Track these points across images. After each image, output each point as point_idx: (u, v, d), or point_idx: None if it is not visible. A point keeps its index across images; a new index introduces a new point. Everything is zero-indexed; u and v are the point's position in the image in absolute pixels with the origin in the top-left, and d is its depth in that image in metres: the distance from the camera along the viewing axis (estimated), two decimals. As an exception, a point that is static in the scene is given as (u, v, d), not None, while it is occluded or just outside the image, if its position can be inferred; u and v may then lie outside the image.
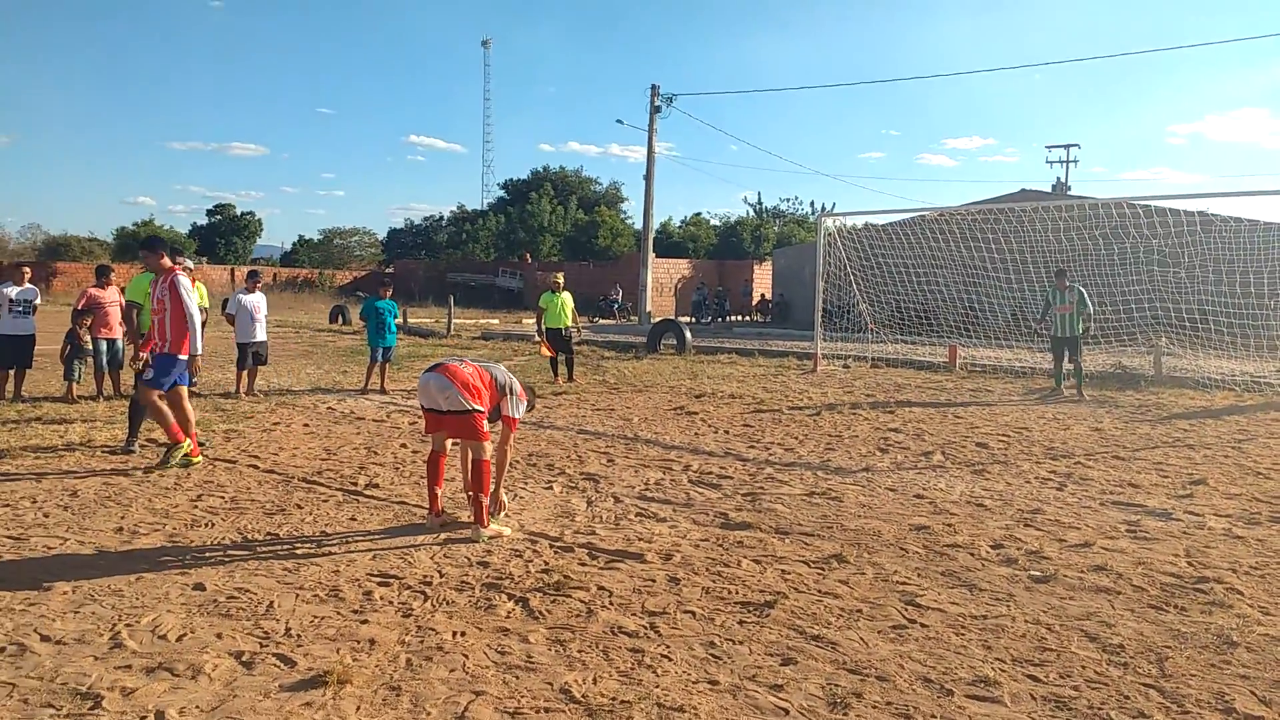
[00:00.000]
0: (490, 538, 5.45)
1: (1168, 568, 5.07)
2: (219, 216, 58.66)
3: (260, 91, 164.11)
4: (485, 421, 5.53)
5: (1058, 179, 37.40)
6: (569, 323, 13.91)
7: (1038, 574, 4.94)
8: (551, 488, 6.91)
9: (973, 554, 5.31)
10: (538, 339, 14.54)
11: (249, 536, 5.53)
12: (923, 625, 4.19)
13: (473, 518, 5.60)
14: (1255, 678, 3.64)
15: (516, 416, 5.78)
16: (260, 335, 11.75)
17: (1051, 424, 10.34)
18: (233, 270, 43.74)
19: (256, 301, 11.79)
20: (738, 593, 4.61)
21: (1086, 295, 12.85)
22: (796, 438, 9.21)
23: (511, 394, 5.72)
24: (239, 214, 58.90)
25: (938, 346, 18.35)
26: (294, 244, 65.95)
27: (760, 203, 60.17)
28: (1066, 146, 39.91)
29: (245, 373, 11.63)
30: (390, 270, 53.70)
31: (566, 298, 14.02)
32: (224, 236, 56.86)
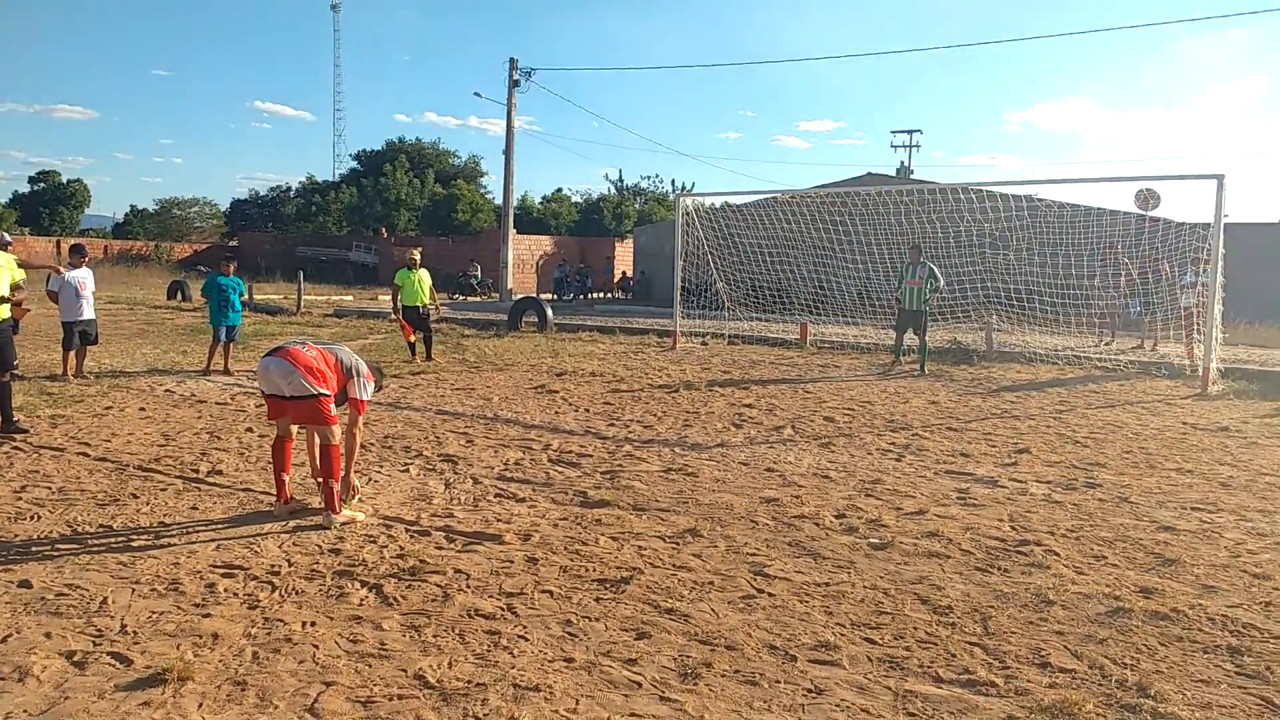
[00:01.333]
0: (342, 524, 5.33)
1: (993, 532, 5.47)
2: (42, 184, 54.12)
3: (88, 50, 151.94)
4: (332, 405, 5.38)
5: (901, 163, 39.26)
6: (426, 300, 13.62)
7: (876, 541, 5.24)
8: (408, 470, 6.80)
9: (818, 524, 5.57)
10: (394, 317, 14.17)
11: (79, 529, 5.22)
12: (770, 595, 4.38)
13: (323, 504, 5.45)
14: (1069, 633, 3.99)
15: (364, 399, 5.65)
16: (88, 313, 10.99)
17: (893, 398, 10.91)
18: (58, 242, 40.52)
19: (83, 277, 11.01)
20: (595, 570, 4.69)
21: (937, 270, 13.57)
22: (655, 415, 9.38)
23: (358, 375, 5.58)
24: (65, 182, 54.55)
25: (790, 324, 18.99)
26: (127, 214, 61.74)
27: (622, 180, 60.38)
28: (909, 132, 41.98)
29: (73, 353, 10.86)
30: (234, 243, 51.07)
31: (424, 274, 13.71)
32: (48, 206, 52.48)
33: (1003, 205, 17.52)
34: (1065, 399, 11.05)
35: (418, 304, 13.47)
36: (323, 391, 5.32)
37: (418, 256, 13.87)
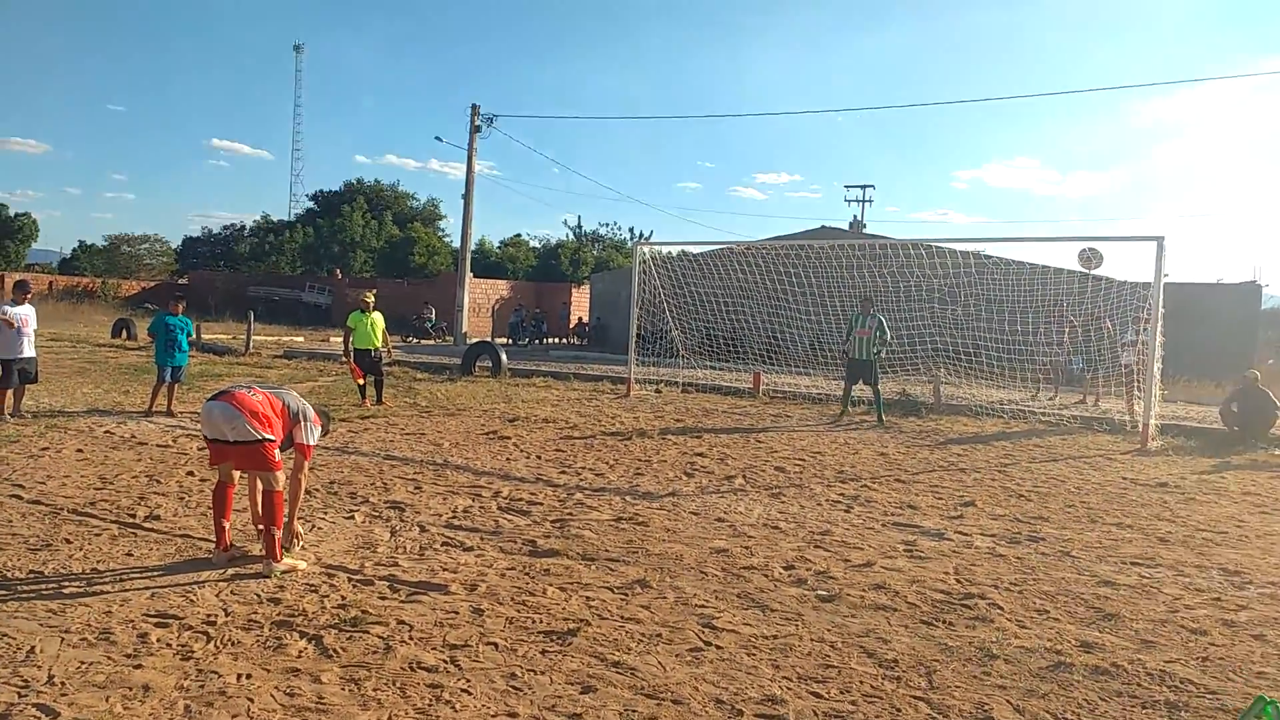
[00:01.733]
0: (283, 572, 5.20)
1: (939, 585, 5.51)
2: (-11, 217, 52.89)
3: (41, 84, 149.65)
4: (276, 451, 5.29)
5: (854, 217, 39.95)
6: (379, 344, 13.50)
7: (824, 593, 5.25)
8: (353, 517, 6.68)
9: (766, 575, 5.57)
10: (344, 360, 14.01)
11: (8, 575, 5.04)
12: (718, 647, 4.36)
13: (264, 551, 5.33)
14: (1011, 687, 4.02)
15: (311, 444, 5.56)
16: (28, 351, 10.72)
17: (843, 448, 11.00)
18: (2, 276, 39.55)
19: (25, 314, 10.75)
20: (542, 622, 4.63)
21: (885, 324, 13.81)
22: (607, 462, 9.35)
23: (305, 420, 5.50)
24: (12, 215, 53.38)
25: (744, 373, 19.13)
26: (75, 249, 60.51)
27: (580, 226, 60.78)
28: (863, 187, 42.90)
29: (10, 392, 10.56)
30: (184, 281, 50.25)
31: (377, 318, 13.60)
32: (-6, 239, 51.26)
33: (952, 261, 17.92)
34: (1010, 452, 11.24)
35: (370, 347, 13.34)
36: (267, 437, 5.23)
37: (371, 299, 13.76)
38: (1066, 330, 17.48)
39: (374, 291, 14.73)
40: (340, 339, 14.72)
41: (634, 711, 3.63)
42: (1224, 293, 25.08)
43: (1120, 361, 15.12)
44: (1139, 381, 13.60)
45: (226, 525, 5.46)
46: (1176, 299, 15.80)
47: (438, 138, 61.81)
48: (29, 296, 11.03)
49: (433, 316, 34.86)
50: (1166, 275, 12.75)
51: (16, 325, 10.53)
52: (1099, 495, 8.60)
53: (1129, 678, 4.14)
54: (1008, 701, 3.86)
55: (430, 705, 3.62)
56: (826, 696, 3.85)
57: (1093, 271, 18.79)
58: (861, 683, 4.00)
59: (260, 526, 5.45)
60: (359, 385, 13.41)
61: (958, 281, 19.13)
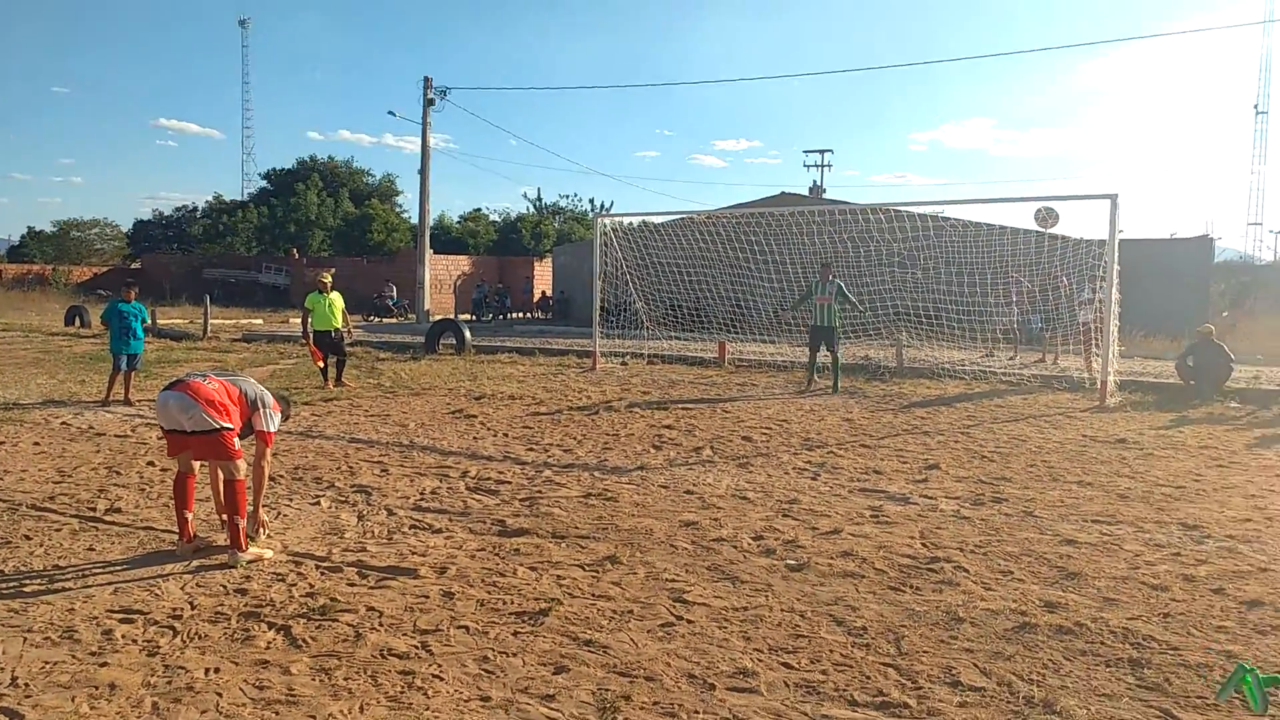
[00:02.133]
0: (249, 562, 5.14)
1: (905, 550, 5.58)
2: (-72, 206, 51.43)
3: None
4: (235, 439, 5.21)
5: (814, 182, 40.09)
6: (339, 324, 13.33)
7: (793, 563, 5.29)
8: (319, 503, 6.61)
9: (736, 547, 5.61)
10: (304, 342, 13.83)
11: (-37, 577, 4.92)
12: (689, 621, 4.38)
13: (229, 541, 5.26)
14: (978, 650, 4.09)
15: (271, 430, 5.48)
16: None
17: (808, 415, 11.08)
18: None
19: None
20: (513, 603, 4.62)
21: (846, 289, 13.82)
22: (575, 438, 9.33)
23: (263, 407, 5.42)
24: (-47, 203, 51.93)
25: (709, 343, 19.17)
26: (23, 236, 58.99)
27: (540, 199, 60.27)
28: (821, 152, 42.92)
29: None
30: (137, 266, 49.24)
31: (336, 298, 13.41)
32: (-64, 229, 49.86)
33: (909, 225, 18.04)
34: (972, 413, 11.39)
35: (330, 328, 13.16)
36: (225, 425, 5.14)
37: (329, 279, 13.56)
38: (1014, 290, 17.73)
39: (332, 271, 14.51)
40: (299, 320, 14.49)
41: (607, 690, 3.64)
42: (1177, 247, 25.54)
43: (1078, 319, 15.35)
44: (1097, 339, 13.82)
45: (189, 516, 5.38)
46: (1131, 255, 16.04)
47: (391, 112, 60.20)
48: None
49: (394, 295, 34.53)
50: (1121, 231, 12.93)
51: None
52: (1060, 454, 8.75)
53: (1092, 636, 4.23)
54: (974, 665, 3.92)
55: (403, 693, 3.61)
56: (797, 667, 3.89)
57: (1049, 230, 19.01)
58: (831, 651, 4.05)
59: (224, 516, 5.38)
60: (320, 368, 13.24)
61: (917, 244, 19.26)
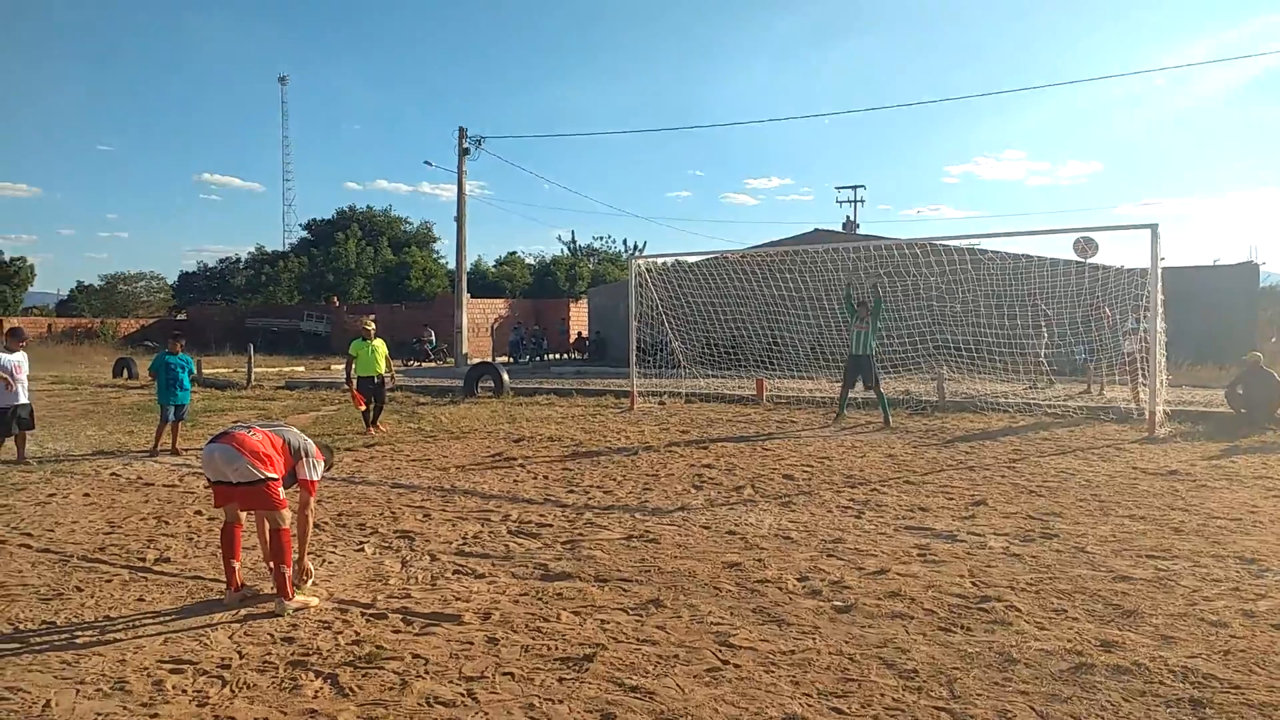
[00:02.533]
0: (296, 610, 5.18)
1: (954, 589, 5.48)
2: (-16, 264, 52.99)
3: (28, 126, 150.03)
4: (280, 489, 5.27)
5: (847, 217, 39.98)
6: (382, 370, 13.51)
7: (840, 604, 5.21)
8: (363, 549, 6.65)
9: (781, 588, 5.54)
10: (347, 388, 14.00)
11: (21, 627, 5.01)
12: (735, 665, 4.33)
13: (275, 590, 5.30)
14: (1033, 692, 3.98)
15: (314, 479, 5.54)
16: (23, 398, 10.70)
17: (850, 452, 10.97)
18: (1, 322, 39.59)
19: (18, 361, 10.73)
20: (557, 648, 4.59)
21: (880, 309, 13.69)
22: (615, 479, 9.32)
23: (307, 456, 5.48)
24: (7, 260, 53.48)
25: (746, 380, 19.10)
26: (72, 290, 60.62)
27: (574, 241, 60.89)
28: (854, 187, 42.93)
29: (13, 439, 10.55)
30: (183, 317, 50.31)
31: (379, 344, 13.61)
32: (-9, 286, 51.30)
33: (946, 259, 17.93)
34: (1018, 447, 11.20)
35: (373, 374, 13.34)
36: (270, 476, 5.21)
37: (372, 326, 13.76)
38: (1042, 319, 17.53)
39: (373, 318, 14.73)
40: (341, 366, 14.70)
41: (655, 737, 3.59)
42: (1222, 274, 25.06)
43: (1123, 350, 15.09)
44: (1143, 369, 13.57)
45: (236, 565, 5.44)
46: (1175, 283, 15.80)
47: (427, 162, 61.47)
48: (24, 344, 11.01)
49: (433, 339, 34.89)
50: (1163, 259, 12.74)
51: (10, 372, 10.48)
52: (1109, 487, 8.57)
53: (1151, 676, 4.11)
54: (1031, 708, 3.82)
55: (450, 741, 3.59)
56: (848, 711, 3.82)
57: (1089, 260, 18.79)
58: (883, 695, 3.97)
59: (271, 564, 5.43)
60: (362, 412, 13.40)
61: (954, 277, 19.11)
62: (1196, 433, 12.01)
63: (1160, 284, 12.43)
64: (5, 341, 10.80)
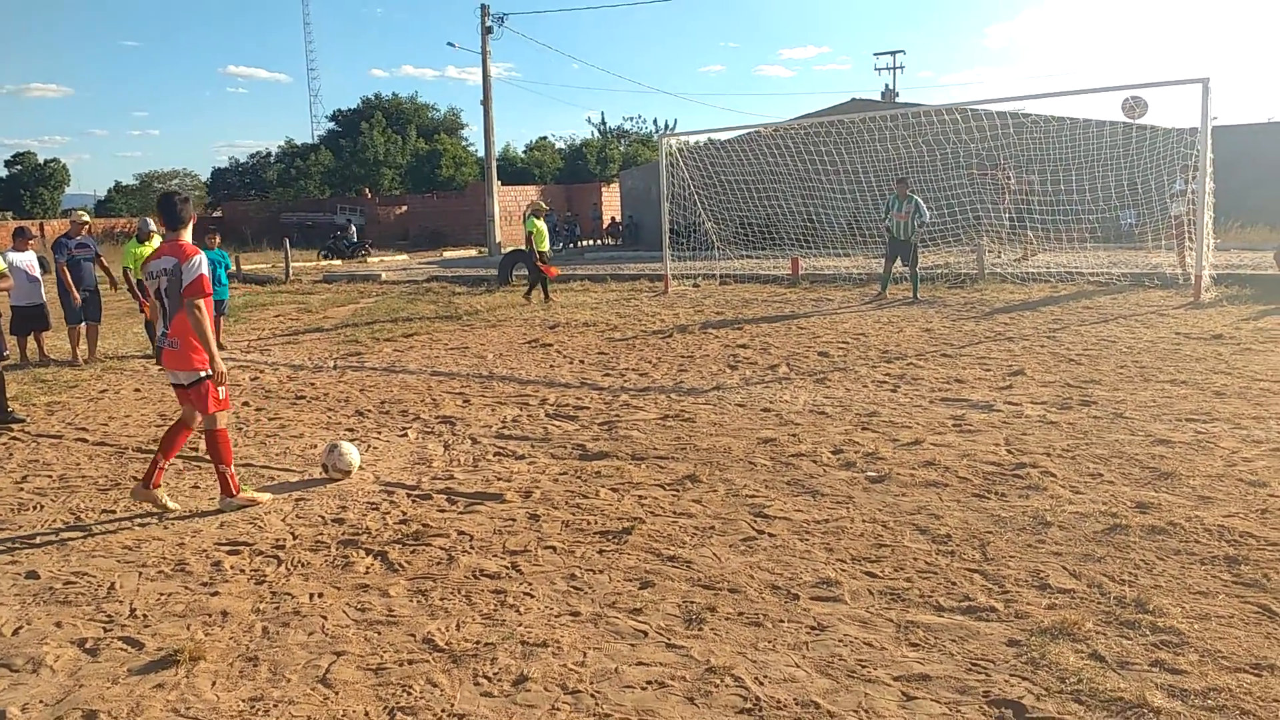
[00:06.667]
0: (240, 507, 5.22)
1: (989, 457, 5.50)
2: (19, 167, 53.37)
3: (56, 26, 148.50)
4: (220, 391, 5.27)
5: (886, 86, 38.66)
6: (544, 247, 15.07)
7: (874, 474, 5.27)
8: (406, 434, 6.81)
9: (815, 461, 5.60)
10: (537, 261, 15.10)
11: (83, 516, 5.24)
12: (770, 535, 4.42)
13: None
14: (1066, 553, 4.03)
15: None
16: (41, 297, 10.85)
17: (886, 328, 10.90)
18: (42, 225, 40.10)
19: (30, 260, 10.78)
20: (597, 523, 4.72)
21: (923, 205, 13.40)
22: (650, 362, 9.38)
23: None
24: (42, 162, 53.83)
25: (781, 260, 18.90)
26: (110, 190, 61.05)
27: (604, 123, 59.55)
28: (893, 53, 41.31)
29: (34, 338, 10.89)
30: (218, 214, 50.54)
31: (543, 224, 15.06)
32: (27, 188, 51.84)
33: (988, 124, 17.30)
34: (1059, 317, 11.04)
35: (546, 249, 15.05)
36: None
37: (545, 205, 15.57)
38: (1005, 191, 17.17)
39: (543, 197, 15.79)
40: (376, 259, 14.96)
41: (692, 602, 3.71)
42: (1276, 132, 23.97)
43: (1169, 213, 14.63)
44: (1189, 232, 13.17)
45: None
46: (1226, 143, 15.15)
47: (450, 43, 60.17)
48: (30, 243, 11.06)
49: (354, 234, 33.94)
50: (1215, 118, 12.19)
51: (24, 270, 10.47)
52: (1151, 353, 8.45)
53: (1186, 535, 4.13)
54: (1063, 567, 3.88)
55: (495, 610, 3.74)
56: (881, 575, 3.90)
57: (1138, 120, 18.04)
58: (915, 559, 4.04)
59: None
60: (543, 284, 15.14)
61: (996, 145, 18.49)
62: (1243, 296, 11.72)
63: (1210, 144, 11.93)
64: (12, 242, 10.85)
